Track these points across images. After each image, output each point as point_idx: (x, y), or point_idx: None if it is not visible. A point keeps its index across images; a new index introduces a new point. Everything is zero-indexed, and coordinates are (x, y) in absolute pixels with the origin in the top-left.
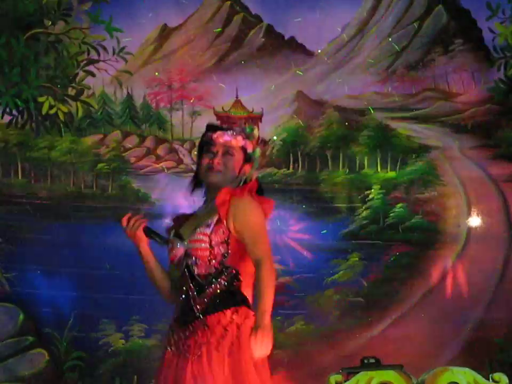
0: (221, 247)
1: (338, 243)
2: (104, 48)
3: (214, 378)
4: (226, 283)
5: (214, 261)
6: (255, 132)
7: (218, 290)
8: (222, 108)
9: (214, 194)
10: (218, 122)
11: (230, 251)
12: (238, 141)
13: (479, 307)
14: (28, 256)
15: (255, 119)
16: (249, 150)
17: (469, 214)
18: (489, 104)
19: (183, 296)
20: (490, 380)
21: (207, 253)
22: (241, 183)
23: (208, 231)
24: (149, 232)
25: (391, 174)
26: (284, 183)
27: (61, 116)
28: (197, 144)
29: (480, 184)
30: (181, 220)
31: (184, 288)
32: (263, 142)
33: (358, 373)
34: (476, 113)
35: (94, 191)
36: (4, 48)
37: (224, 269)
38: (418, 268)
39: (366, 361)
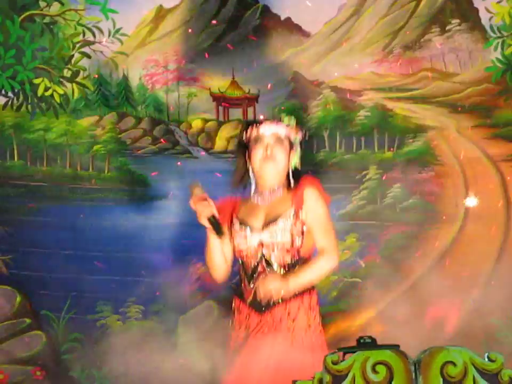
0: (298, 238)
1: (335, 224)
2: (100, 30)
3: (299, 360)
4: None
5: (291, 251)
6: (293, 119)
7: None
8: (218, 89)
9: (269, 185)
10: (214, 104)
11: (303, 241)
12: (284, 131)
13: (476, 287)
14: (24, 238)
15: (251, 99)
16: (292, 138)
17: (466, 194)
18: (486, 84)
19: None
20: (486, 359)
21: (288, 243)
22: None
23: (289, 222)
24: (212, 221)
25: (388, 154)
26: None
27: (57, 98)
28: (193, 125)
29: (478, 164)
30: (238, 209)
31: (258, 275)
32: (298, 128)
33: (354, 352)
34: (473, 93)
35: (90, 172)
36: None
37: (299, 259)
38: (415, 248)
39: (362, 340)
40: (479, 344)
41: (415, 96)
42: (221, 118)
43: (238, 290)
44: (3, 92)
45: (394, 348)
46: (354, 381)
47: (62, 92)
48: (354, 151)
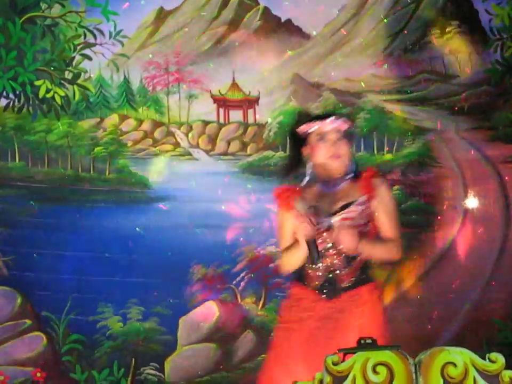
0: (365, 225)
1: None
2: (101, 32)
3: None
4: (366, 260)
5: (362, 237)
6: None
7: (361, 265)
8: (219, 91)
9: (334, 177)
10: (215, 106)
11: (370, 229)
12: (344, 124)
13: (476, 288)
14: (25, 240)
15: (252, 102)
16: (348, 129)
17: (465, 196)
18: (486, 86)
19: (327, 269)
20: (487, 360)
21: (360, 230)
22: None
23: (360, 209)
24: (310, 245)
25: (388, 156)
26: (281, 165)
27: (58, 100)
28: (194, 127)
29: (477, 166)
30: (300, 195)
31: (328, 262)
32: (352, 120)
33: (355, 353)
34: (472, 95)
35: (91, 174)
36: (0, 32)
37: None
38: (415, 250)
39: (362, 341)
40: (478, 345)
41: (414, 98)
42: (222, 120)
43: (300, 275)
44: (4, 93)
45: (395, 348)
46: (354, 381)
47: (63, 94)
48: (354, 153)
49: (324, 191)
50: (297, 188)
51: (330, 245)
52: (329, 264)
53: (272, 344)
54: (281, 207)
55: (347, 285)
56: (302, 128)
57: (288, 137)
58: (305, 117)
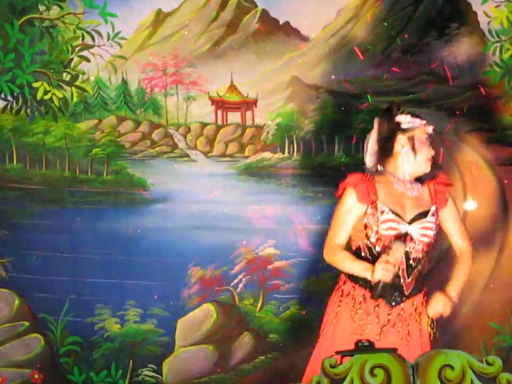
0: (435, 235)
1: None
2: (99, 34)
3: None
4: (424, 267)
5: (428, 247)
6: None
7: (419, 274)
8: (217, 93)
9: (414, 177)
10: (213, 108)
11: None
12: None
13: (474, 291)
14: (23, 241)
15: (250, 104)
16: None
17: (464, 198)
18: (484, 88)
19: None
20: (484, 363)
21: (430, 239)
22: None
23: (433, 219)
24: (380, 284)
25: None
26: (279, 167)
27: (56, 101)
28: (192, 129)
29: (476, 168)
30: (376, 190)
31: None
32: None
33: (352, 356)
34: (471, 97)
35: (89, 176)
36: None
37: (427, 254)
38: None
39: (360, 344)
40: (477, 348)
41: (413, 100)
42: (220, 122)
43: (361, 280)
44: (2, 95)
45: (393, 351)
46: None
47: (61, 96)
48: (353, 155)
49: (405, 191)
50: (372, 179)
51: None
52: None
53: (323, 339)
54: (358, 198)
55: (408, 293)
56: (405, 119)
57: (379, 125)
58: (398, 109)
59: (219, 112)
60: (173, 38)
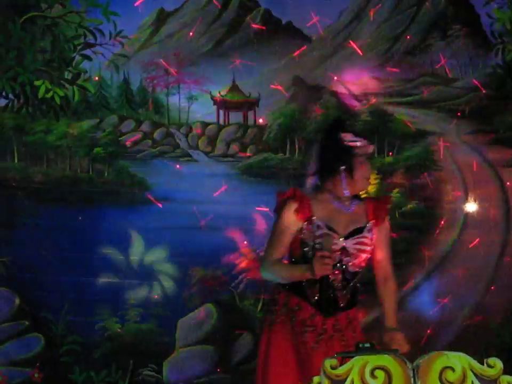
0: (370, 251)
1: None
2: (101, 32)
3: None
4: (358, 282)
5: (363, 262)
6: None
7: (354, 288)
8: (219, 93)
9: (351, 195)
10: (215, 107)
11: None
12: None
13: (475, 292)
14: (23, 240)
15: (252, 103)
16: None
17: (466, 199)
18: (486, 89)
19: (327, 287)
20: (485, 365)
21: (367, 254)
22: None
23: (370, 235)
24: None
25: (388, 159)
26: (281, 167)
27: (57, 100)
28: (194, 128)
29: (478, 169)
30: (312, 206)
31: (331, 280)
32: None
33: (353, 357)
34: (473, 98)
35: (90, 175)
36: (0, 32)
37: (362, 269)
38: (415, 254)
39: (361, 345)
40: (477, 350)
41: (415, 101)
42: (222, 122)
43: (297, 288)
44: (4, 93)
45: (393, 352)
46: None
47: (62, 94)
48: None
49: (340, 208)
50: (306, 195)
51: (337, 266)
52: (331, 282)
53: (264, 350)
54: (295, 214)
55: (343, 305)
56: (347, 137)
57: (322, 140)
58: (342, 126)
59: (221, 112)
60: (175, 37)
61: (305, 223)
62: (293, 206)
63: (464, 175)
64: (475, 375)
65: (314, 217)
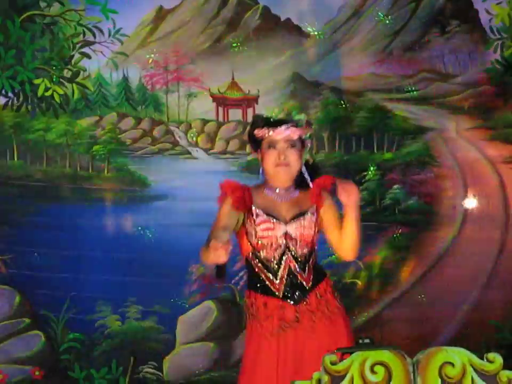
0: (316, 233)
1: None
2: (100, 30)
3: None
4: (315, 260)
5: (310, 244)
6: (303, 117)
7: (312, 266)
8: (218, 90)
9: (282, 185)
10: (214, 104)
11: (317, 236)
12: (296, 132)
13: (475, 288)
14: (23, 238)
15: (251, 100)
16: (303, 136)
17: (465, 196)
18: (485, 85)
19: (287, 274)
20: (485, 360)
21: (310, 236)
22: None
23: (313, 218)
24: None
25: (388, 155)
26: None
27: (57, 98)
28: (194, 126)
29: (477, 166)
30: (252, 198)
31: (285, 267)
32: (308, 124)
33: (353, 353)
34: (472, 94)
35: (90, 173)
36: None
37: (313, 249)
38: (414, 250)
39: (361, 341)
40: (477, 346)
41: (414, 97)
42: (221, 119)
43: (259, 287)
44: (3, 92)
45: (393, 348)
46: (352, 381)
47: (62, 92)
48: (354, 152)
49: (275, 199)
50: (248, 188)
51: (282, 251)
52: (288, 269)
53: (249, 356)
54: (234, 206)
55: (310, 286)
56: (257, 133)
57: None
58: (261, 121)
59: (220, 109)
60: (174, 34)
61: (246, 214)
62: (233, 197)
63: (463, 171)
64: (475, 370)
65: (253, 206)
